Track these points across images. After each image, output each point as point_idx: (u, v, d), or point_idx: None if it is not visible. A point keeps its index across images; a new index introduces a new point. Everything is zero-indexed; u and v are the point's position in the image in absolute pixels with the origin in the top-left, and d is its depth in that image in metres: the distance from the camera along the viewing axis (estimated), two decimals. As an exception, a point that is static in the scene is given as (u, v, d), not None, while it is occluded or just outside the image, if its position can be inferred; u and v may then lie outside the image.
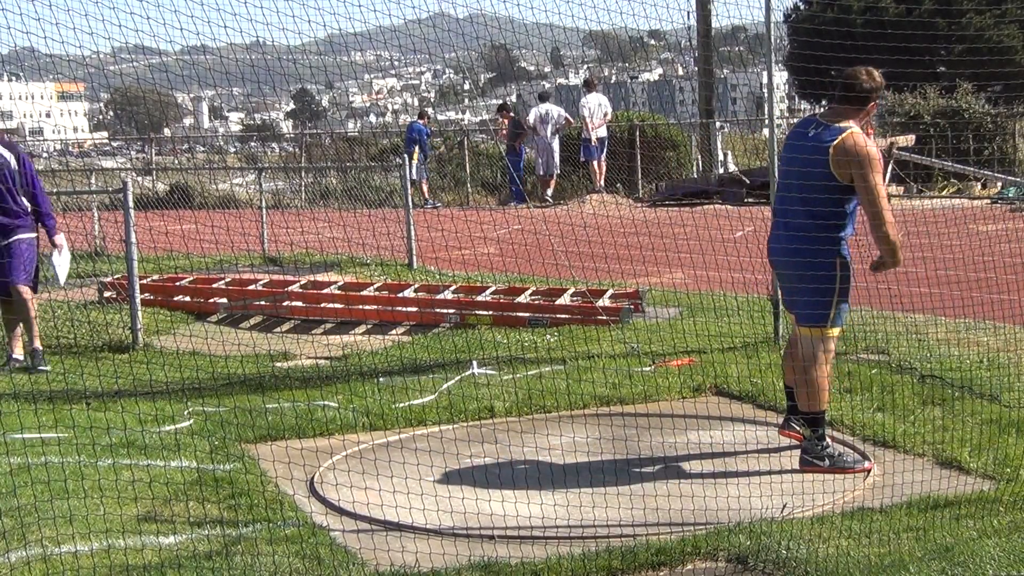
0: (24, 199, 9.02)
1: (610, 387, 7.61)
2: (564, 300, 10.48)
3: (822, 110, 6.64)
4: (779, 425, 6.29)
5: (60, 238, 9.21)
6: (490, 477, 5.94)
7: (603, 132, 21.51)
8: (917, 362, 7.84)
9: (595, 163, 21.54)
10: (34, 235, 9.06)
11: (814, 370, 5.85)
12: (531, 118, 21.71)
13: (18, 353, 9.05)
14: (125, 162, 31.86)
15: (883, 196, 5.67)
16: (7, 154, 9.04)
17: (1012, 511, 5.05)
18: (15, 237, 8.95)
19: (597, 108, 21.35)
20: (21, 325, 9.08)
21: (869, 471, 5.86)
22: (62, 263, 9.20)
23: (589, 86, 21.93)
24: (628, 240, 13.00)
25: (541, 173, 21.65)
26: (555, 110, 21.53)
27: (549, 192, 21.44)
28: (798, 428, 6.07)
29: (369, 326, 10.47)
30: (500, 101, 30.61)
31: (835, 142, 5.71)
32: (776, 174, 8.75)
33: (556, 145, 21.52)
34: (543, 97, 22.62)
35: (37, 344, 9.00)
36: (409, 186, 14.81)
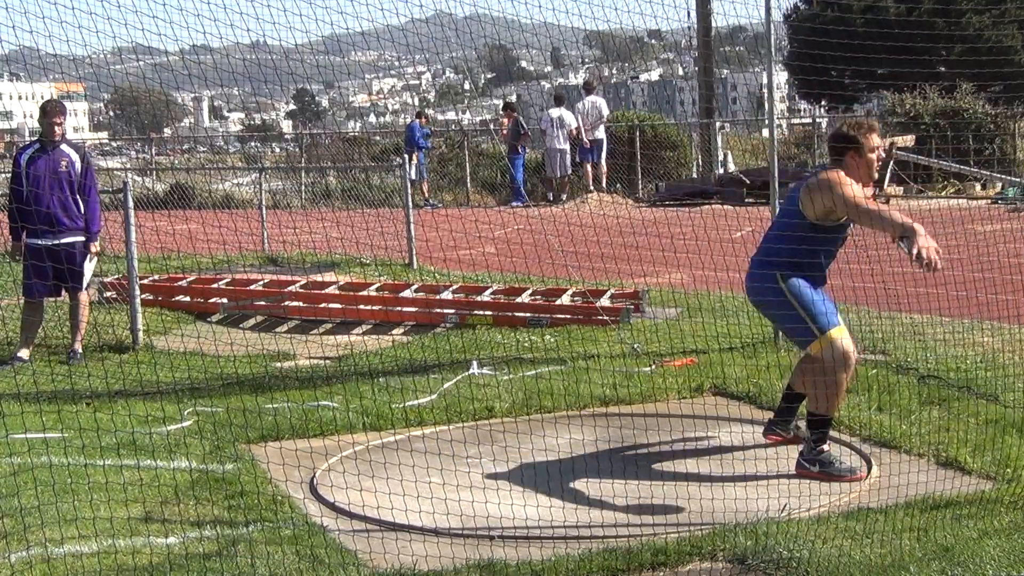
0: (79, 200, 9.30)
1: (610, 387, 7.61)
2: (564, 300, 10.48)
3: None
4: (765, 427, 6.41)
5: (96, 246, 9.45)
6: (490, 477, 5.94)
7: (600, 134, 21.52)
8: (917, 362, 7.84)
9: (588, 165, 21.59)
10: (83, 239, 9.31)
11: (832, 374, 5.81)
12: (544, 124, 21.73)
13: (23, 354, 9.12)
14: (125, 162, 31.86)
15: None
16: (73, 155, 9.32)
17: (1012, 511, 5.05)
18: (70, 240, 9.25)
19: (591, 109, 21.37)
20: (26, 331, 9.29)
21: (861, 479, 5.82)
22: (89, 268, 9.48)
23: (588, 88, 21.96)
24: (628, 240, 13.00)
25: (558, 175, 21.63)
26: (568, 116, 21.54)
27: (563, 194, 21.48)
28: (781, 433, 6.32)
29: (369, 326, 10.47)
30: (500, 101, 30.60)
31: None
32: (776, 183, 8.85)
33: (568, 147, 21.55)
34: (558, 100, 22.59)
35: (78, 346, 9.29)
36: (409, 186, 14.82)
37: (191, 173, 24.81)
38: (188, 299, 11.43)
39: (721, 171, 22.96)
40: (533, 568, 4.65)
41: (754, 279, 6.05)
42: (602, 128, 21.56)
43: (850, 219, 5.80)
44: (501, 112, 23.90)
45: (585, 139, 21.28)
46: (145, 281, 11.33)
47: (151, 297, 11.17)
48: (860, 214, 5.63)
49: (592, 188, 21.41)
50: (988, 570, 4.35)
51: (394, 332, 10.21)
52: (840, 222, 5.83)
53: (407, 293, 11.02)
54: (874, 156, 5.81)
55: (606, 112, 21.97)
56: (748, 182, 20.33)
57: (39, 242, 9.14)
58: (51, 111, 9.23)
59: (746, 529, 4.90)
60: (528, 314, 10.13)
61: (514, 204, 21.02)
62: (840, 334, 5.81)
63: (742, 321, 9.37)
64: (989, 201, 18.49)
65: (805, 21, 31.16)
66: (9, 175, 10.44)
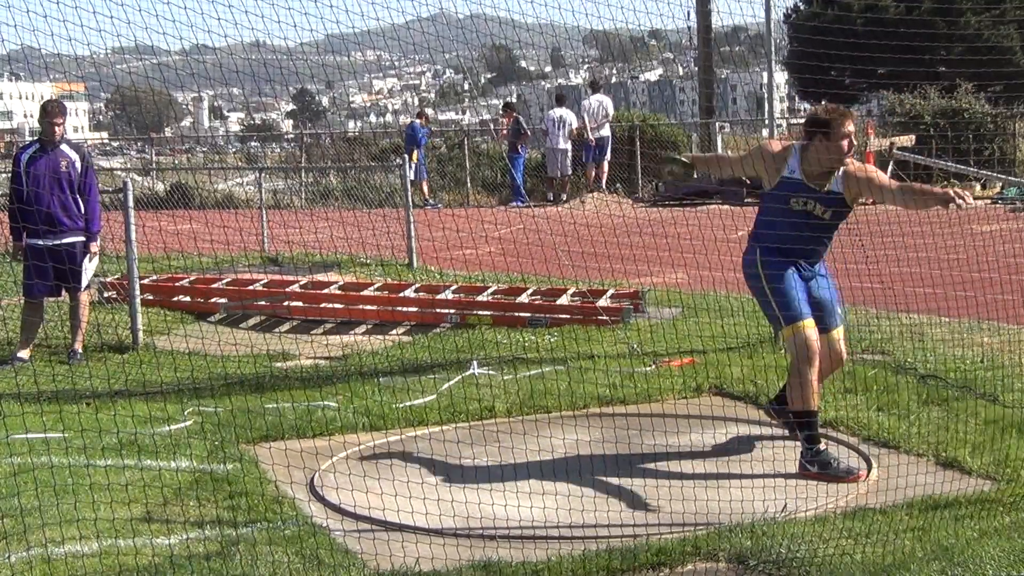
0: (79, 200, 9.32)
1: (610, 387, 7.60)
2: (564, 300, 10.48)
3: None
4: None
5: (96, 246, 9.46)
6: (490, 477, 5.94)
7: (605, 132, 21.56)
8: (917, 362, 7.83)
9: (591, 165, 21.61)
10: (84, 239, 9.30)
11: (796, 367, 5.93)
12: (546, 124, 21.78)
13: (23, 354, 9.13)
14: (125, 162, 31.86)
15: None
16: (73, 154, 9.33)
17: (1012, 511, 5.05)
18: (71, 240, 9.26)
19: (598, 107, 21.42)
20: (27, 331, 9.29)
21: (861, 479, 5.82)
22: (89, 268, 9.48)
23: (594, 87, 22.02)
24: (628, 240, 13.01)
25: (558, 175, 21.67)
26: (570, 116, 21.57)
27: (564, 194, 21.52)
28: (772, 411, 6.51)
29: (369, 326, 10.47)
30: (500, 101, 30.61)
31: None
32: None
33: (569, 147, 21.59)
34: (560, 100, 22.60)
35: (78, 346, 9.30)
36: (409, 186, 14.82)
37: (191, 173, 24.82)
38: (188, 299, 11.43)
39: (721, 171, 22.93)
40: (533, 568, 4.65)
41: (744, 255, 6.28)
42: (607, 126, 21.59)
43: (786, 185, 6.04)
44: (501, 112, 23.89)
45: (591, 137, 21.31)
46: (145, 281, 11.33)
47: (151, 297, 11.17)
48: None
49: (592, 188, 21.43)
50: (988, 570, 4.35)
51: (394, 332, 10.21)
52: (777, 182, 6.07)
53: (407, 293, 11.02)
54: (844, 143, 5.87)
55: (612, 110, 22.02)
56: (748, 182, 20.30)
57: (40, 242, 9.14)
58: (51, 111, 9.24)
59: (746, 529, 4.91)
60: (528, 314, 10.13)
61: (514, 204, 21.02)
62: (803, 327, 5.88)
63: (742, 321, 9.37)
64: (989, 201, 18.48)
65: (805, 21, 31.15)
66: (9, 175, 10.44)
